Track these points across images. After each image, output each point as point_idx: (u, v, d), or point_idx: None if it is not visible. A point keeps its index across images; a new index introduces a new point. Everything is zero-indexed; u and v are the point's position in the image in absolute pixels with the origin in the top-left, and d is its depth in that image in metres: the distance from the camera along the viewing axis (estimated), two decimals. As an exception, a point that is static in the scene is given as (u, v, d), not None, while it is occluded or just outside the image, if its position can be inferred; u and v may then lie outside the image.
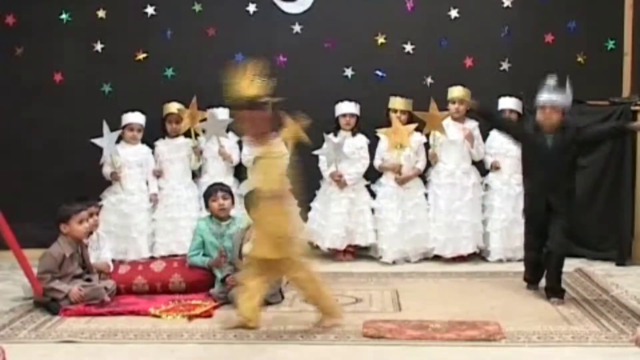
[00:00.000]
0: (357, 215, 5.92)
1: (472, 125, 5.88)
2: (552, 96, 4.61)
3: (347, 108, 5.96)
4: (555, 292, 4.55)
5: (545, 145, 4.59)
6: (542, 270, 4.72)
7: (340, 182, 5.86)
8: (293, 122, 5.86)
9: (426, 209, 5.92)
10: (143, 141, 6.05)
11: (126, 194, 5.87)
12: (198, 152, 6.02)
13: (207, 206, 5.07)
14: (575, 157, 4.66)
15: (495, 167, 5.89)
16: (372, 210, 5.95)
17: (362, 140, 5.99)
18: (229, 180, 5.95)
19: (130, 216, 5.86)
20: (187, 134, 6.08)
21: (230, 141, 6.11)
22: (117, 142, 5.96)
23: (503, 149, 5.85)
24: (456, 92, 5.85)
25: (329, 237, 5.88)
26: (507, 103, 5.87)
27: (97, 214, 5.01)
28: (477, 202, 5.88)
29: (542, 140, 4.61)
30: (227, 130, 6.02)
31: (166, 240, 5.94)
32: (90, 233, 4.87)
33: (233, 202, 5.10)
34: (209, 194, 5.04)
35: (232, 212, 5.11)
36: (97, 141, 5.71)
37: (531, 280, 4.87)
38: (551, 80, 4.65)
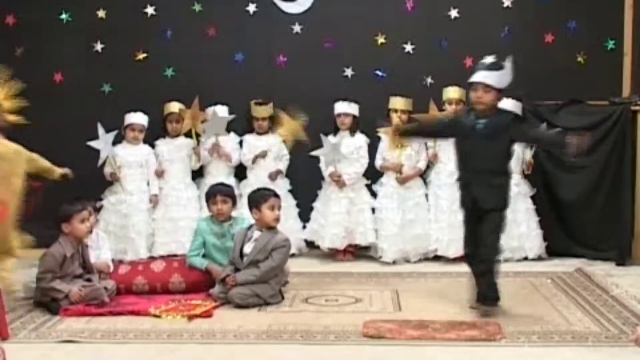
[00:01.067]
0: (357, 214, 5.92)
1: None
2: (485, 74, 4.18)
3: (342, 108, 5.97)
4: (485, 299, 4.22)
5: (474, 129, 4.19)
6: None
7: (339, 182, 5.86)
8: (291, 120, 5.88)
9: (426, 208, 5.92)
10: (144, 141, 6.05)
11: (126, 194, 5.87)
12: (198, 153, 6.02)
13: (208, 207, 5.07)
14: (507, 147, 4.23)
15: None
16: (372, 210, 5.95)
17: (361, 139, 5.99)
18: (231, 181, 5.96)
19: (129, 216, 5.86)
20: (187, 134, 6.08)
21: (231, 142, 6.12)
22: (119, 141, 5.97)
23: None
24: (452, 92, 5.85)
25: (329, 237, 5.88)
26: (506, 104, 5.85)
27: (92, 213, 4.94)
28: None
29: (471, 124, 4.22)
30: (228, 130, 6.04)
31: (166, 240, 5.94)
32: (89, 232, 4.84)
33: (234, 204, 5.09)
34: (209, 196, 5.04)
35: (234, 213, 5.09)
36: (93, 144, 5.71)
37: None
38: (488, 58, 4.26)
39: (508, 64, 4.19)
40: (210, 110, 5.94)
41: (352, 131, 5.98)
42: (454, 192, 5.67)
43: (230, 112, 6.09)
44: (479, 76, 4.21)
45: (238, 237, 4.76)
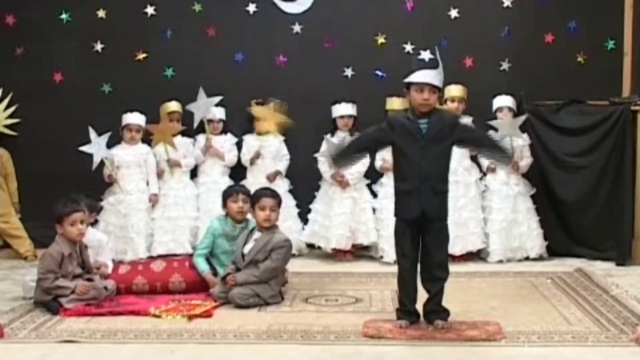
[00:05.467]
0: (360, 214, 5.91)
1: (469, 121, 5.88)
2: (429, 73, 3.88)
3: (345, 110, 5.96)
4: (439, 313, 4.01)
5: (420, 132, 3.88)
6: (416, 288, 4.02)
7: (342, 182, 5.86)
8: (268, 112, 5.88)
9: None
10: (143, 141, 6.05)
11: (124, 194, 5.87)
12: (174, 165, 6.01)
13: (224, 205, 4.96)
14: (450, 149, 3.97)
15: (491, 170, 5.89)
16: (373, 210, 5.94)
17: None
18: (225, 180, 5.96)
19: (128, 216, 5.86)
20: (184, 134, 6.09)
21: (227, 142, 6.14)
22: (117, 142, 5.97)
23: (500, 150, 5.87)
24: (454, 90, 5.84)
25: (335, 238, 5.85)
26: (504, 101, 5.87)
27: (91, 210, 4.90)
28: (479, 197, 5.89)
29: (415, 127, 3.89)
30: (225, 132, 6.09)
31: (165, 240, 5.94)
32: (81, 235, 4.63)
33: (251, 205, 5.00)
34: (229, 194, 4.94)
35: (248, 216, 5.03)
36: (85, 148, 5.70)
37: (409, 309, 4.03)
38: (425, 55, 3.95)
39: (438, 57, 3.93)
40: (200, 91, 5.88)
41: (352, 131, 5.98)
42: (457, 189, 5.72)
43: (230, 112, 6.10)
44: (424, 76, 3.88)
45: (242, 237, 4.75)
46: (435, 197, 3.92)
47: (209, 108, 5.94)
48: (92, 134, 5.68)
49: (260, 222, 4.67)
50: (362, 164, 5.95)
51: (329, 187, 5.96)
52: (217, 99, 5.92)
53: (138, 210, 5.91)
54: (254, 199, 4.74)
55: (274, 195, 4.76)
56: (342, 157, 4.13)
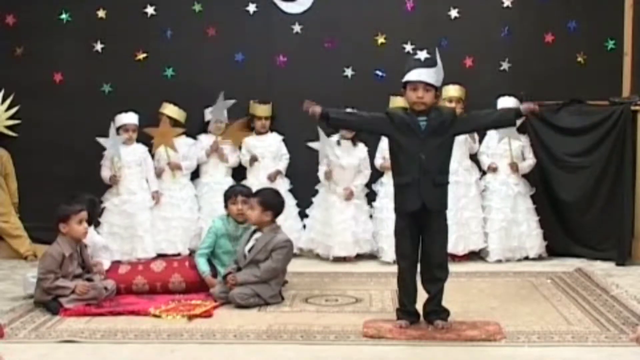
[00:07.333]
0: (362, 222, 5.89)
1: None
2: (423, 72, 3.90)
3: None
4: (438, 313, 4.01)
5: (419, 129, 3.90)
6: (416, 288, 4.04)
7: (347, 194, 5.84)
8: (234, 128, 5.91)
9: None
10: (138, 141, 6.05)
11: (128, 194, 5.87)
12: (175, 167, 6.02)
13: (226, 206, 4.99)
14: (451, 143, 4.00)
15: (492, 169, 5.90)
16: (370, 216, 5.94)
17: (363, 151, 5.94)
18: (228, 181, 5.96)
19: (135, 215, 5.86)
20: (187, 135, 6.09)
21: (229, 143, 6.13)
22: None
23: (500, 149, 5.88)
24: (452, 91, 5.84)
25: (337, 246, 5.81)
26: (507, 102, 5.86)
27: (93, 206, 4.92)
28: (479, 197, 5.89)
29: (415, 124, 3.92)
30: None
31: (157, 239, 5.93)
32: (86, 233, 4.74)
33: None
34: (229, 196, 4.98)
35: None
36: (102, 140, 5.72)
37: (409, 309, 4.04)
38: (421, 54, 3.96)
39: (439, 58, 3.94)
40: (220, 96, 5.87)
41: (354, 141, 5.94)
42: (458, 189, 5.72)
43: (230, 112, 6.10)
44: (418, 75, 3.90)
45: (244, 237, 4.76)
46: (435, 189, 3.94)
47: (224, 111, 5.93)
48: (112, 130, 5.70)
49: (234, 216, 4.88)
50: (364, 176, 5.94)
51: (328, 195, 5.93)
52: (232, 101, 5.90)
53: (143, 208, 5.92)
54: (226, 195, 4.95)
55: (250, 192, 4.88)
56: (338, 117, 4.15)
